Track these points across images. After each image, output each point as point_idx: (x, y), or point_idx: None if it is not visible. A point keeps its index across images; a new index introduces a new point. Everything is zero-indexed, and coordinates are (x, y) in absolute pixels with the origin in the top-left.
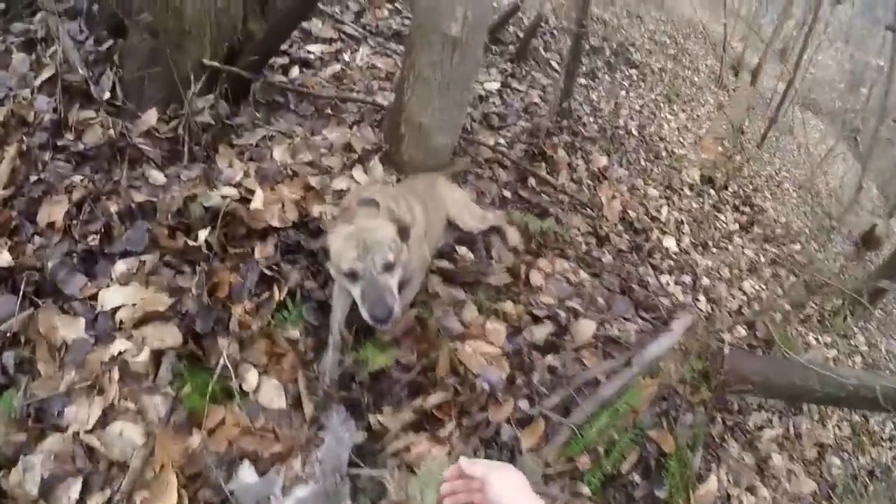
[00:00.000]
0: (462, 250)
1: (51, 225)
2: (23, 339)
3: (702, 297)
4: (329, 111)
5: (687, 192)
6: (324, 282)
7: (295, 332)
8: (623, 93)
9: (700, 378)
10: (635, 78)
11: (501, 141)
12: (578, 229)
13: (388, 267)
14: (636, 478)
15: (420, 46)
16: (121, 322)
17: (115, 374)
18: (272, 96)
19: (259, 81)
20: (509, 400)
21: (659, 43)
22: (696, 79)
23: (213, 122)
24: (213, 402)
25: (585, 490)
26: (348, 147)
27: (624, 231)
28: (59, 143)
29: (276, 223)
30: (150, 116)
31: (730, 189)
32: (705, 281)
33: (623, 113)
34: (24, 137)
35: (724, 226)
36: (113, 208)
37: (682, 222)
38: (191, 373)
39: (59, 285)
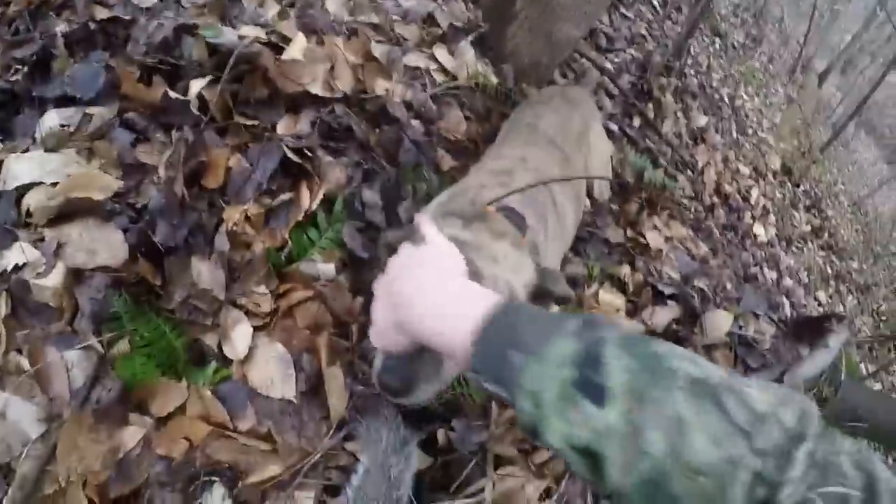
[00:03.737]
0: None
1: None
2: None
3: (785, 300)
4: None
5: (771, 178)
6: (388, 194)
7: (326, 267)
8: (710, 56)
9: (821, 405)
10: (718, 47)
11: (608, 66)
12: (683, 190)
13: None
14: None
15: None
16: (28, 212)
17: (3, 305)
18: None
19: None
20: None
21: (741, 19)
22: (770, 67)
23: None
24: (167, 374)
25: None
26: (430, 20)
27: (721, 205)
28: None
29: (317, 90)
30: None
31: (801, 187)
32: (788, 282)
33: (715, 77)
34: None
35: (798, 225)
36: (59, 27)
37: (768, 210)
38: (134, 315)
39: None
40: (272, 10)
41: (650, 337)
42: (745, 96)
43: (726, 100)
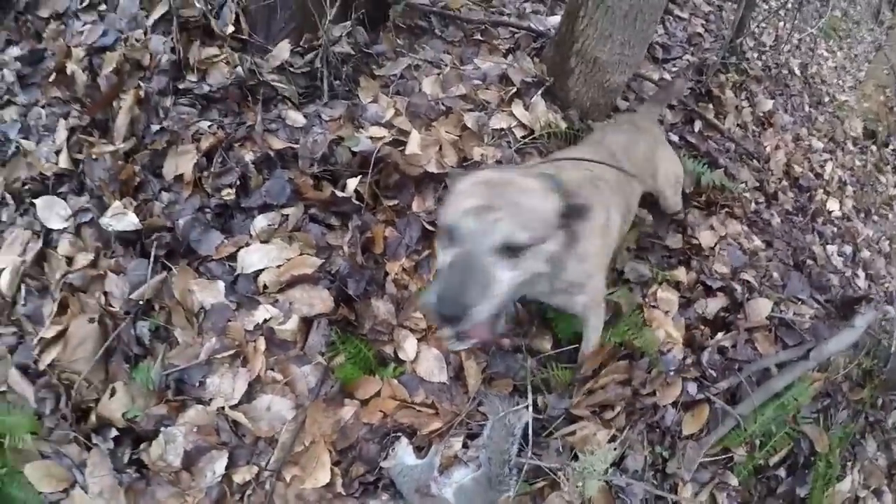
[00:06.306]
0: (641, 212)
1: (179, 178)
2: (157, 307)
3: (860, 273)
4: (479, 37)
5: (850, 146)
6: None
7: None
8: (780, 24)
9: (864, 376)
10: (790, 6)
11: (666, 76)
12: (745, 184)
13: (511, 251)
14: (782, 473)
15: None
16: (264, 286)
17: (261, 344)
18: (413, 20)
19: (398, 3)
20: (677, 381)
21: None
22: (851, 11)
23: (351, 52)
24: (367, 373)
25: (733, 481)
26: (504, 79)
27: (789, 188)
28: (181, 86)
29: (433, 168)
30: (282, 50)
31: (890, 146)
32: (865, 253)
33: (784, 49)
34: (141, 83)
35: (884, 189)
36: (248, 156)
37: (845, 182)
38: (343, 340)
39: (193, 245)
40: (387, 108)
41: None
42: (825, 53)
43: (797, 72)
